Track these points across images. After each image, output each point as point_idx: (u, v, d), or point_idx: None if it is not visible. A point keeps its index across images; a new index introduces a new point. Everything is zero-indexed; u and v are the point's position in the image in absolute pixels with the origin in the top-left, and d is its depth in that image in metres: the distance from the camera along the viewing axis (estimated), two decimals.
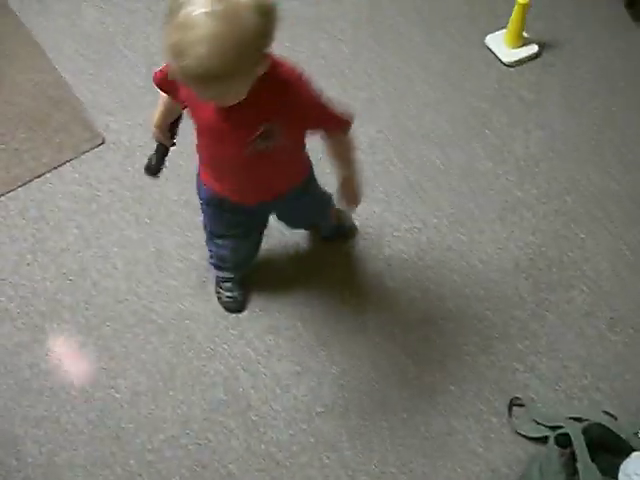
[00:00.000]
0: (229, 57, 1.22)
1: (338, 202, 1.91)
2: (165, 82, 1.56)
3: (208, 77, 1.24)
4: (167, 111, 1.72)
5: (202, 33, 1.18)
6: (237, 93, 1.37)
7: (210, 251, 2.02)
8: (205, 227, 1.95)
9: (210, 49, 1.20)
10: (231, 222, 1.86)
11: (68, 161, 2.38)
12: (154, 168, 1.88)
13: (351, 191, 1.81)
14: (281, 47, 1.37)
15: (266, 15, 1.24)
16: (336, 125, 1.62)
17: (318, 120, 1.58)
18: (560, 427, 1.83)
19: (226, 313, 2.12)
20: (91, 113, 2.49)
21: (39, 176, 2.37)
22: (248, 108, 1.40)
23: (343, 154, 1.72)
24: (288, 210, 1.94)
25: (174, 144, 1.84)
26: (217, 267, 2.07)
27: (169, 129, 1.80)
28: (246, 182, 1.68)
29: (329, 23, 2.72)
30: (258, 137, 1.47)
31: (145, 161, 1.87)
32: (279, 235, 2.21)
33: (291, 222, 2.08)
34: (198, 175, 1.80)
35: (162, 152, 1.86)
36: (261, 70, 1.33)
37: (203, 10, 1.18)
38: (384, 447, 1.93)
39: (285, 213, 1.97)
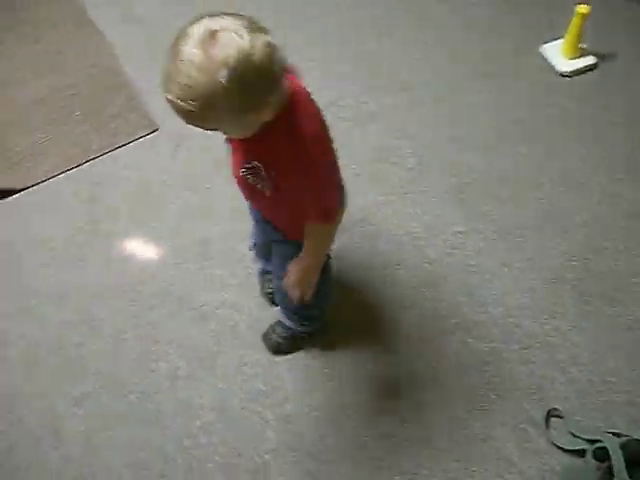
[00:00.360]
0: (197, 105, 1.21)
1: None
2: None
3: (183, 114, 1.24)
4: None
5: (181, 76, 1.19)
6: (233, 132, 1.37)
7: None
8: None
9: (181, 92, 1.20)
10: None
11: (122, 146, 2.42)
12: None
13: (296, 275, 1.63)
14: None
15: (239, 83, 1.20)
16: (317, 215, 1.50)
17: (307, 193, 1.46)
18: (597, 441, 1.82)
19: (268, 305, 2.14)
20: (147, 101, 2.53)
21: (93, 159, 2.42)
22: (251, 140, 1.38)
23: (310, 239, 1.58)
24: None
25: None
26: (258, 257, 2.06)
27: None
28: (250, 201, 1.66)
29: (378, 25, 2.72)
30: (247, 170, 1.44)
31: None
32: None
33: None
34: None
35: None
36: (263, 118, 1.31)
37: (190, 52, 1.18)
38: (415, 449, 1.93)
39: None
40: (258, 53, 1.20)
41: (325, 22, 2.75)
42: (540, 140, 2.44)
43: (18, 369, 2.07)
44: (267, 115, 1.31)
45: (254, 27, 1.21)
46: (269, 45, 1.22)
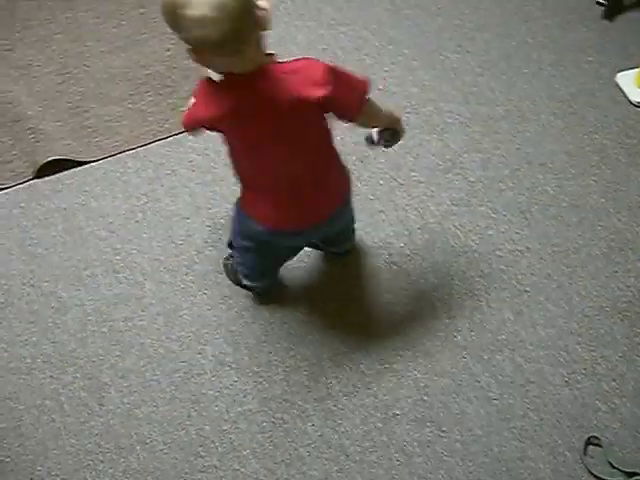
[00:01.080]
0: (236, 17, 1.36)
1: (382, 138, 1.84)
2: (198, 124, 1.63)
3: (226, 39, 1.38)
4: None
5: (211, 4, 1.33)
6: (251, 55, 1.47)
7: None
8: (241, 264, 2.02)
9: (221, 14, 1.34)
10: (276, 257, 1.98)
11: None
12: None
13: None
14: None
15: None
16: (358, 102, 1.63)
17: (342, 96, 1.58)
18: (636, 474, 1.81)
19: (322, 301, 2.16)
20: None
21: (160, 139, 2.45)
22: (279, 91, 1.52)
23: (371, 120, 1.75)
24: (337, 227, 1.97)
25: None
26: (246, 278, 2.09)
27: None
28: (306, 188, 1.74)
29: (459, 34, 2.73)
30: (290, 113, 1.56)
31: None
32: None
33: (338, 241, 2.13)
34: (240, 214, 1.86)
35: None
36: (262, 31, 1.46)
37: None
38: (454, 460, 1.93)
39: (333, 233, 2.00)
40: None
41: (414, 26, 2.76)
42: (611, 168, 2.42)
43: (72, 335, 2.11)
44: (263, 26, 1.45)
45: None
46: None
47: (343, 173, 1.86)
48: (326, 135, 1.72)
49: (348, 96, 1.60)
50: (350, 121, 1.66)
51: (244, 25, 1.39)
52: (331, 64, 1.56)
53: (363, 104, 1.64)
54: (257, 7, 1.43)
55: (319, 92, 1.52)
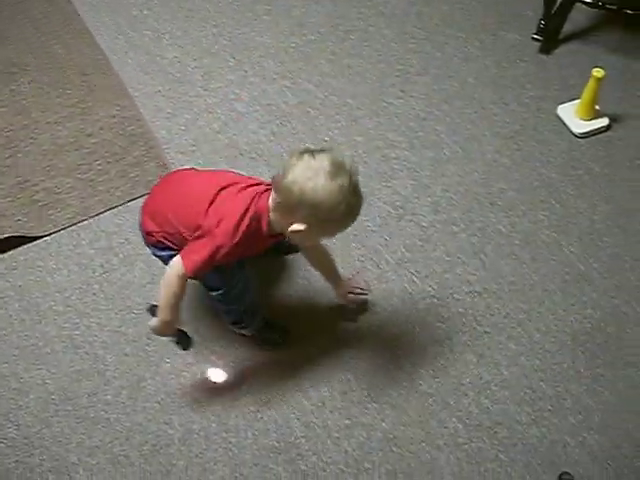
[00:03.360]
0: None
1: None
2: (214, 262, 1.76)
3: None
4: (179, 302, 1.84)
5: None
6: None
7: (238, 316, 2.08)
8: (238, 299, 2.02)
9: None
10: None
11: (141, 196, 2.45)
12: (187, 345, 2.11)
13: None
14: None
15: None
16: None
17: None
18: None
19: (283, 361, 2.16)
20: (166, 151, 2.57)
21: (111, 208, 2.45)
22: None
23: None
24: None
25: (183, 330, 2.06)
26: (252, 320, 2.11)
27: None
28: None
29: (401, 79, 2.77)
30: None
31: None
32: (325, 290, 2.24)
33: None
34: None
35: (184, 334, 2.06)
36: None
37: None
38: None
39: None
40: None
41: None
42: (560, 201, 2.47)
43: (36, 415, 2.08)
44: None
45: None
46: None
47: None
48: None
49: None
50: None
51: None
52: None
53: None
54: None
55: None
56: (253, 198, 1.75)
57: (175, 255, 1.79)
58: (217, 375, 2.14)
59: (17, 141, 2.62)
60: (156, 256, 1.98)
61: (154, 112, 2.67)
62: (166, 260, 1.86)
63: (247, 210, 1.73)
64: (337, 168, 1.62)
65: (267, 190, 1.77)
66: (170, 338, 2.07)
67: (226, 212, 1.74)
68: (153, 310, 2.04)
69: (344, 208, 1.64)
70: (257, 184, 1.81)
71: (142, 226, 1.96)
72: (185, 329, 2.06)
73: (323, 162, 1.62)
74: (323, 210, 1.63)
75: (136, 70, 2.78)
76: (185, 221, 1.82)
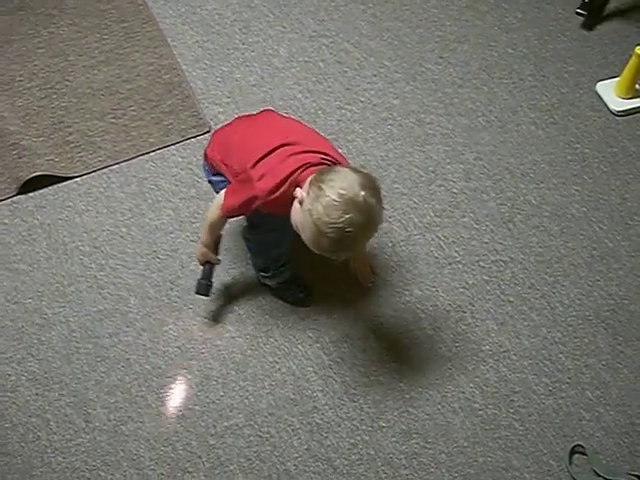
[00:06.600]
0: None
1: None
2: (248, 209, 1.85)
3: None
4: (218, 231, 2.02)
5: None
6: None
7: (265, 269, 2.13)
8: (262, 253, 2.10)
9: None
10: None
11: (173, 144, 2.46)
12: (206, 288, 2.10)
13: None
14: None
15: None
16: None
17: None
18: None
19: (305, 315, 2.16)
20: (201, 102, 2.56)
21: (144, 154, 2.45)
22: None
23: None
24: None
25: (219, 261, 2.10)
26: (277, 272, 2.13)
27: (215, 247, 2.06)
28: None
29: (440, 46, 2.75)
30: None
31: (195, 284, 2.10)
32: None
33: None
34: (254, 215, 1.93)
35: (209, 271, 2.09)
36: None
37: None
38: (440, 471, 1.94)
39: None
40: None
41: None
42: (592, 177, 2.45)
43: (57, 351, 2.10)
44: None
45: None
46: None
47: None
48: None
49: None
50: None
51: None
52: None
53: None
54: None
55: None
56: (301, 167, 1.76)
57: (225, 185, 1.92)
58: (238, 325, 2.15)
59: (53, 82, 2.62)
60: (209, 181, 2.09)
61: (191, 62, 2.66)
62: (215, 185, 2.02)
63: (290, 175, 1.76)
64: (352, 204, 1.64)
65: (320, 164, 1.78)
66: (198, 276, 2.11)
67: (272, 170, 1.78)
68: (198, 286, 2.10)
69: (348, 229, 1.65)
70: (316, 152, 1.81)
71: (207, 148, 2.06)
72: (214, 272, 2.12)
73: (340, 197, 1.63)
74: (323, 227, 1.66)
75: (175, 20, 2.77)
76: (240, 160, 1.87)
